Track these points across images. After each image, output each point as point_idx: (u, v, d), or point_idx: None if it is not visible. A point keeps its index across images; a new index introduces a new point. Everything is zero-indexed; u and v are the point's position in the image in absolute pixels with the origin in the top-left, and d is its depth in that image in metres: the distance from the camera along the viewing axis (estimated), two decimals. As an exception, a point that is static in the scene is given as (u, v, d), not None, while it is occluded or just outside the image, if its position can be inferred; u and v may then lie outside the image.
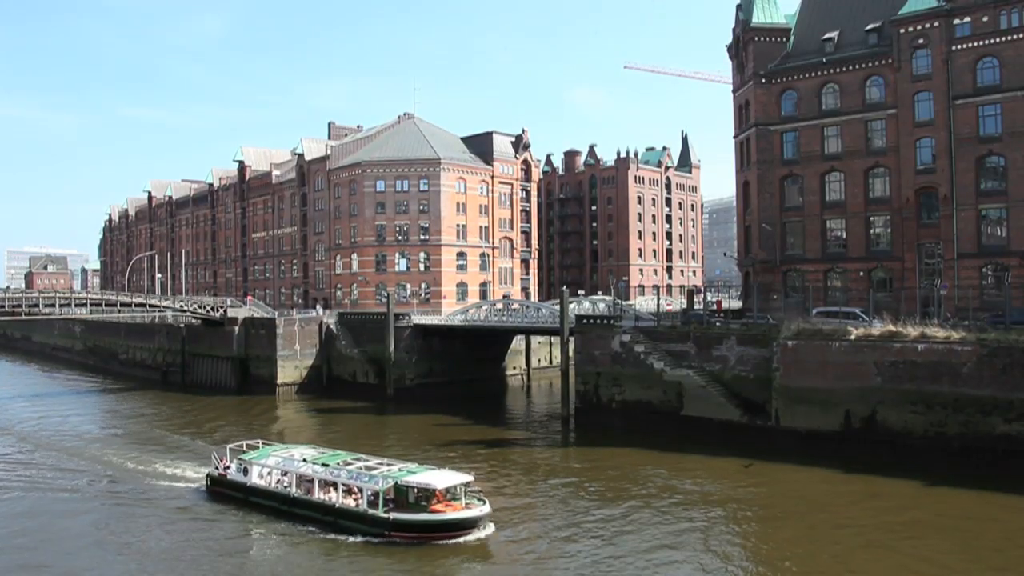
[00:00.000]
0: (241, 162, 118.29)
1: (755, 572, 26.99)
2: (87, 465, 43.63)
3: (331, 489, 32.28)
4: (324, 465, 33.23)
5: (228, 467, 36.43)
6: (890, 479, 36.20)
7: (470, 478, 31.55)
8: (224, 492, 35.83)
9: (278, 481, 34.35)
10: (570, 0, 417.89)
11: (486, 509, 30.44)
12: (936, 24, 55.54)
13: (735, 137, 69.82)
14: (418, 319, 70.22)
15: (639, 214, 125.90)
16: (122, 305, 71.11)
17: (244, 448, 37.78)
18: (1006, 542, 28.59)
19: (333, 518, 31.31)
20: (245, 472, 35.27)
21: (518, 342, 75.89)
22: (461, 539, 29.37)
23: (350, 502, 31.48)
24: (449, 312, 76.52)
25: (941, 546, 28.33)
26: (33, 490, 38.60)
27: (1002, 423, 36.81)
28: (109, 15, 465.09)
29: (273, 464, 34.98)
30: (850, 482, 36.67)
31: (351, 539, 29.92)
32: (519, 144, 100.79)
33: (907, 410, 39.18)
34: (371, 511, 30.17)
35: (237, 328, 72.90)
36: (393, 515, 29.73)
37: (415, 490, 30.33)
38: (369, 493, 30.61)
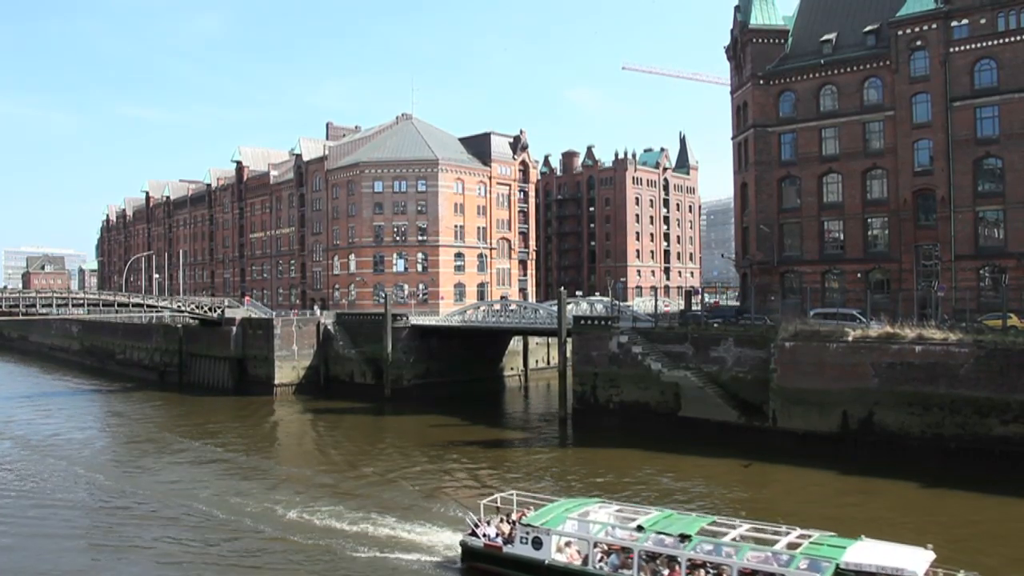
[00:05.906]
0: (239, 162, 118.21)
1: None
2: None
3: (699, 572, 23.00)
4: (684, 537, 23.33)
5: (497, 535, 26.52)
6: (887, 480, 36.12)
7: (932, 555, 22.11)
8: (497, 571, 25.90)
9: (601, 559, 24.30)
10: (568, 1, 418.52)
11: None
12: (934, 26, 55.64)
13: (733, 138, 69.88)
14: (416, 320, 70.16)
15: (637, 215, 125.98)
16: (119, 305, 71.10)
17: (498, 503, 28.50)
18: (1003, 542, 28.59)
19: None
20: (536, 544, 25.25)
21: (516, 343, 75.84)
22: None
23: None
24: (447, 312, 76.48)
25: (938, 545, 28.28)
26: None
27: (999, 424, 36.85)
28: (107, 15, 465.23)
29: (581, 533, 25.09)
30: (847, 483, 36.64)
31: None
32: (517, 145, 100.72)
33: (904, 411, 39.18)
34: None
35: (234, 328, 72.86)
36: None
37: None
38: None
